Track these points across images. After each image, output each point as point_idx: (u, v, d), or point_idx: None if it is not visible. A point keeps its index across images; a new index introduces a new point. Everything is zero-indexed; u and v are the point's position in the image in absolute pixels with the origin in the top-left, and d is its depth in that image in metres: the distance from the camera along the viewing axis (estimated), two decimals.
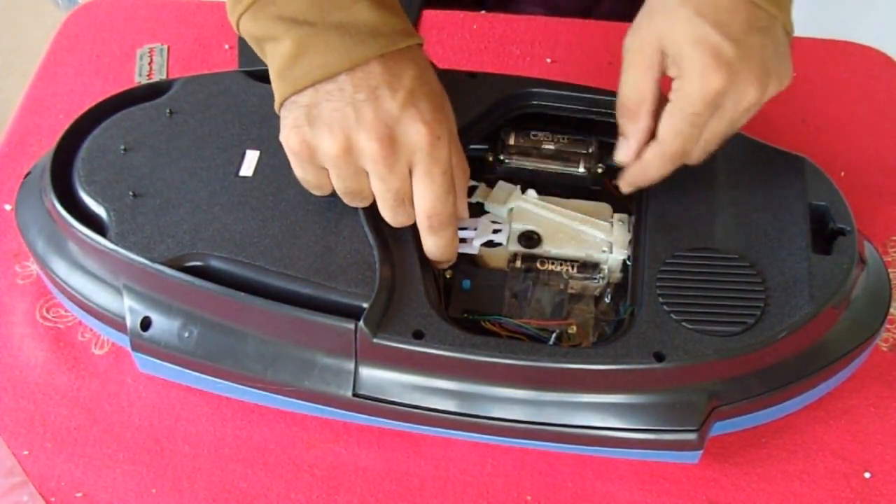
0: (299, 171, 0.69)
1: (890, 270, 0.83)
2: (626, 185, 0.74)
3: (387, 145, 0.65)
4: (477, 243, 0.75)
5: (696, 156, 0.71)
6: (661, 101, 0.69)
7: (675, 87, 0.67)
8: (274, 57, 0.67)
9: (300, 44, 0.65)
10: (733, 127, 0.69)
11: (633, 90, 0.69)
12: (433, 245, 0.70)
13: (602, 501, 0.72)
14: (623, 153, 0.72)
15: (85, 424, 0.76)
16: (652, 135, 0.70)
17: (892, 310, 0.80)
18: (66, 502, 0.72)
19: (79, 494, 0.72)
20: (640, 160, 0.71)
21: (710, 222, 0.73)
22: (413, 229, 0.72)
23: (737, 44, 0.65)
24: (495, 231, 0.76)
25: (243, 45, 0.96)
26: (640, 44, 0.68)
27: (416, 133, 0.65)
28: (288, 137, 0.67)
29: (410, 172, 0.67)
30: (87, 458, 0.74)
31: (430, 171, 0.67)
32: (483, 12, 1.05)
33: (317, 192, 0.71)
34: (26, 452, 0.74)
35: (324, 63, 0.64)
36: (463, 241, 0.75)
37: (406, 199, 0.68)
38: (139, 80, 1.00)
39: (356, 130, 0.65)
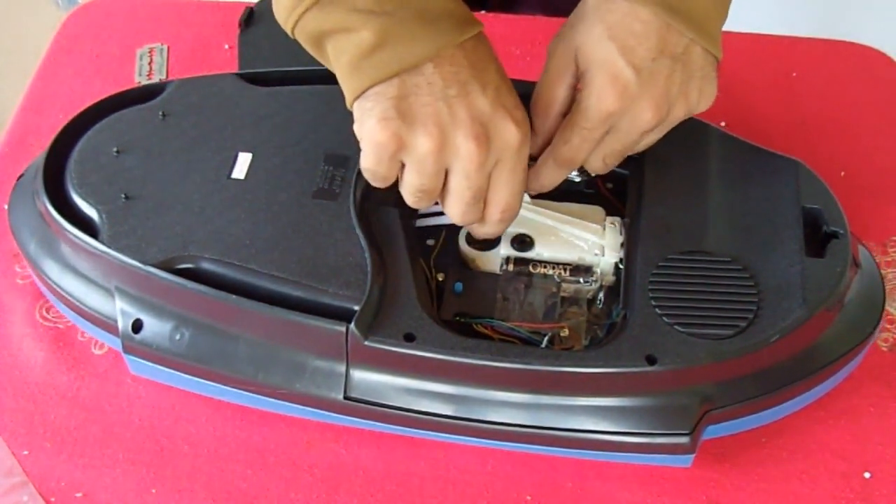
0: (374, 162, 0.66)
1: (890, 270, 0.83)
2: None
3: (483, 144, 0.64)
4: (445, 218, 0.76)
5: (595, 167, 0.72)
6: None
7: (577, 99, 0.69)
8: (346, 49, 0.64)
9: (382, 33, 0.62)
10: (633, 146, 0.70)
11: (547, 92, 0.71)
12: (492, 232, 0.72)
13: (602, 501, 0.72)
14: (532, 147, 0.73)
15: (85, 424, 0.76)
16: None
17: (892, 310, 0.80)
18: (66, 502, 0.72)
19: (79, 494, 0.72)
20: (535, 167, 0.72)
21: (703, 225, 0.72)
22: (406, 231, 0.72)
23: (639, 71, 0.66)
24: None
25: (243, 47, 0.96)
26: (560, 50, 0.69)
27: (508, 133, 0.65)
28: (375, 130, 0.64)
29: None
30: (87, 458, 0.74)
31: (515, 170, 0.67)
32: (483, 12, 1.05)
33: (378, 184, 0.68)
34: (26, 452, 0.74)
35: (409, 52, 0.63)
36: (429, 214, 0.77)
37: (482, 197, 0.68)
38: (139, 80, 1.00)
39: (452, 128, 0.64)
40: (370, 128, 0.64)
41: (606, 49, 0.66)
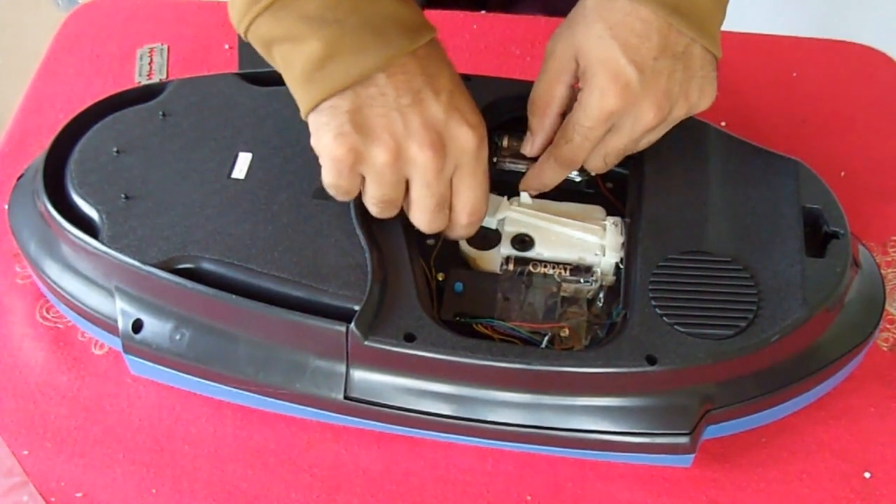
0: (334, 177, 0.67)
1: (890, 270, 0.83)
2: (523, 187, 0.75)
3: (438, 152, 0.65)
4: None
5: (595, 166, 0.72)
6: (572, 102, 0.71)
7: (578, 98, 0.69)
8: (296, 59, 0.64)
9: (331, 44, 0.62)
10: (634, 145, 0.71)
11: (545, 91, 0.71)
12: (463, 235, 0.73)
13: (602, 501, 0.72)
14: (528, 149, 0.74)
15: (85, 424, 0.76)
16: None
17: (892, 310, 0.80)
18: (66, 502, 0.72)
19: (79, 494, 0.72)
20: (535, 166, 0.73)
21: (703, 225, 0.72)
22: (406, 231, 0.72)
23: (641, 70, 0.66)
24: None
25: (244, 47, 0.96)
26: (559, 49, 0.70)
27: (463, 137, 0.65)
28: (332, 145, 0.64)
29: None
30: (87, 458, 0.74)
31: (475, 173, 0.67)
32: (483, 13, 1.05)
33: (343, 198, 0.69)
34: (26, 452, 0.74)
35: (359, 63, 0.62)
36: None
37: (446, 203, 0.68)
38: (139, 80, 1.00)
39: (406, 139, 0.64)
40: (326, 143, 0.65)
41: (608, 47, 0.66)
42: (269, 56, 0.67)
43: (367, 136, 0.64)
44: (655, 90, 0.67)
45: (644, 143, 0.71)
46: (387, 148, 0.64)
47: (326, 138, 0.65)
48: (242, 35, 0.67)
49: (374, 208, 0.69)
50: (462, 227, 0.71)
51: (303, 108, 0.66)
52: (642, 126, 0.68)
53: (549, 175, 0.73)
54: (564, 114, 0.72)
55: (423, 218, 0.69)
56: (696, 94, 0.69)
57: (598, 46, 0.66)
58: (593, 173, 0.74)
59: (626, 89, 0.66)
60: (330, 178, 0.67)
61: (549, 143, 0.73)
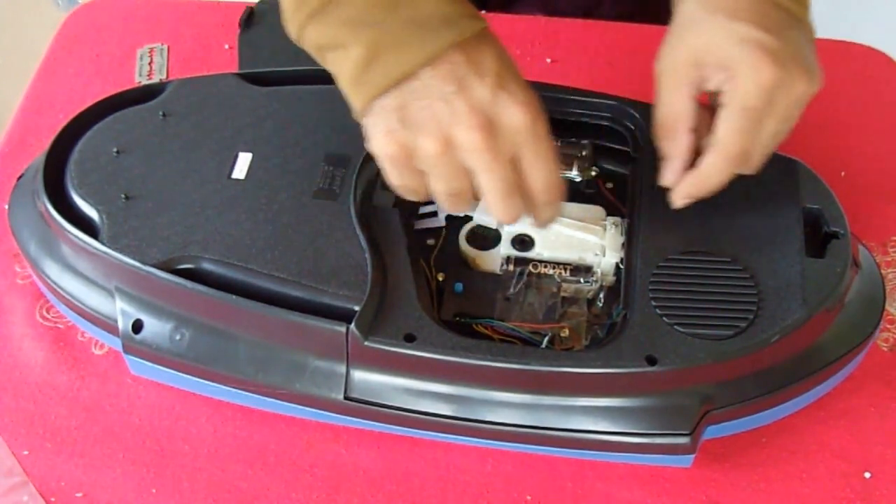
0: (396, 177, 0.65)
1: (890, 270, 0.83)
2: (680, 197, 0.71)
3: (487, 132, 0.62)
4: (443, 216, 0.78)
5: (756, 158, 0.69)
6: (701, 118, 0.69)
7: (727, 89, 0.66)
8: (344, 65, 0.64)
9: (372, 46, 0.62)
10: (787, 123, 0.67)
11: (670, 108, 0.69)
12: (548, 217, 0.69)
13: (602, 501, 0.72)
14: (669, 175, 0.71)
15: (85, 424, 0.76)
16: (696, 153, 0.69)
17: (892, 310, 0.80)
18: (66, 502, 0.72)
19: (79, 494, 0.72)
20: (698, 169, 0.69)
21: (703, 225, 0.72)
22: (406, 231, 0.72)
23: (780, 37, 0.65)
24: None
25: (243, 47, 0.96)
26: (673, 62, 0.68)
27: (515, 114, 0.63)
28: (383, 144, 0.63)
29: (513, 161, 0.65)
30: (87, 458, 0.74)
31: (537, 151, 0.64)
32: (483, 13, 1.05)
33: (413, 198, 0.67)
34: (26, 452, 0.75)
35: (402, 61, 0.62)
36: (427, 215, 0.77)
37: (516, 187, 0.65)
38: (139, 80, 1.00)
39: (452, 125, 0.62)
40: (378, 143, 0.64)
41: (737, 29, 0.65)
42: (324, 62, 0.67)
43: (414, 129, 0.63)
44: (798, 56, 0.65)
45: (790, 123, 0.68)
46: (434, 138, 0.62)
47: (377, 138, 0.64)
48: (299, 44, 0.67)
49: (445, 203, 0.67)
50: (542, 209, 0.67)
51: (356, 113, 0.65)
52: (796, 95, 0.66)
53: (717, 178, 0.69)
54: (695, 131, 0.69)
55: (497, 206, 0.66)
56: (819, 70, 0.67)
57: (728, 33, 0.65)
58: (753, 171, 0.70)
59: (776, 57, 0.64)
60: (392, 178, 0.66)
61: (688, 165, 0.69)
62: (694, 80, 0.67)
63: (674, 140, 0.69)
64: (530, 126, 0.63)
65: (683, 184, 0.70)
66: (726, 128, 0.66)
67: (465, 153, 0.63)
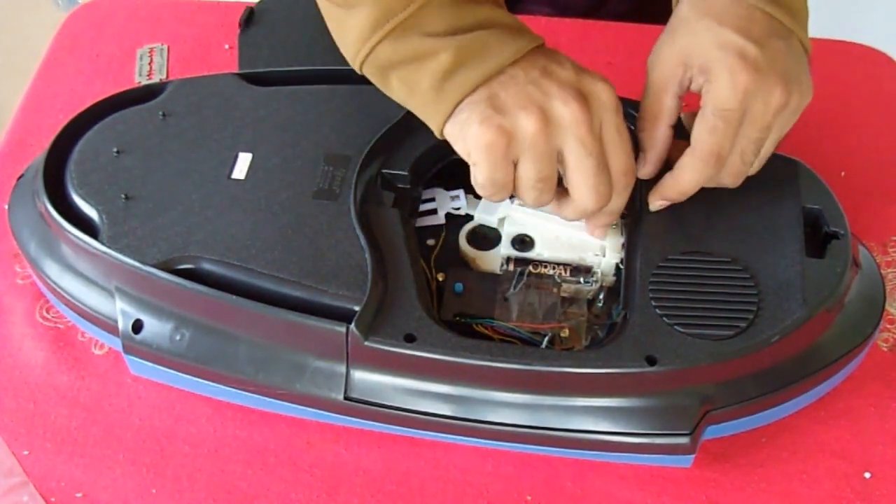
0: (489, 169, 0.66)
1: (890, 270, 0.83)
2: (656, 198, 0.72)
3: (583, 103, 0.64)
4: (442, 213, 0.78)
5: (735, 166, 0.69)
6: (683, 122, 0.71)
7: (705, 91, 0.67)
8: (422, 77, 0.66)
9: (460, 51, 0.64)
10: (769, 132, 0.68)
11: (653, 102, 0.70)
12: (620, 205, 0.70)
13: (602, 501, 0.72)
14: (643, 169, 0.72)
15: (85, 424, 0.76)
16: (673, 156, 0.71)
17: (892, 310, 0.80)
18: (67, 502, 0.72)
19: (79, 494, 0.72)
20: (673, 170, 0.70)
21: (704, 226, 0.72)
22: (406, 231, 0.72)
23: (760, 46, 0.66)
24: (453, 198, 0.79)
25: (243, 47, 0.96)
26: (662, 60, 0.69)
27: (601, 90, 0.65)
28: (479, 132, 0.64)
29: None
30: (87, 458, 0.74)
31: (620, 127, 0.66)
32: None
33: (497, 198, 0.68)
34: (26, 452, 0.74)
35: (490, 61, 0.64)
36: (427, 213, 0.78)
37: (605, 166, 0.67)
38: (139, 80, 1.00)
39: (549, 100, 0.64)
40: (474, 134, 0.64)
41: (722, 33, 0.66)
42: (386, 83, 0.69)
43: (511, 111, 0.64)
44: (777, 66, 0.66)
45: (773, 138, 0.69)
46: (534, 115, 0.64)
47: (472, 129, 0.65)
48: (358, 68, 0.68)
49: (531, 192, 0.67)
50: (620, 191, 0.69)
51: (438, 119, 0.66)
52: (773, 106, 0.66)
53: (689, 178, 0.70)
54: (674, 127, 0.71)
55: (586, 186, 0.67)
56: (806, 83, 0.68)
57: (711, 37, 0.67)
58: (731, 185, 0.71)
59: (754, 64, 0.65)
60: (486, 172, 0.66)
61: (663, 159, 0.71)
62: (680, 79, 0.69)
63: (652, 132, 0.71)
64: (615, 103, 0.66)
65: (658, 185, 0.72)
66: (699, 128, 0.68)
67: (563, 129, 0.65)
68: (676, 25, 0.69)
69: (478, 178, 0.67)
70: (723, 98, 0.66)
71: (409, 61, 0.66)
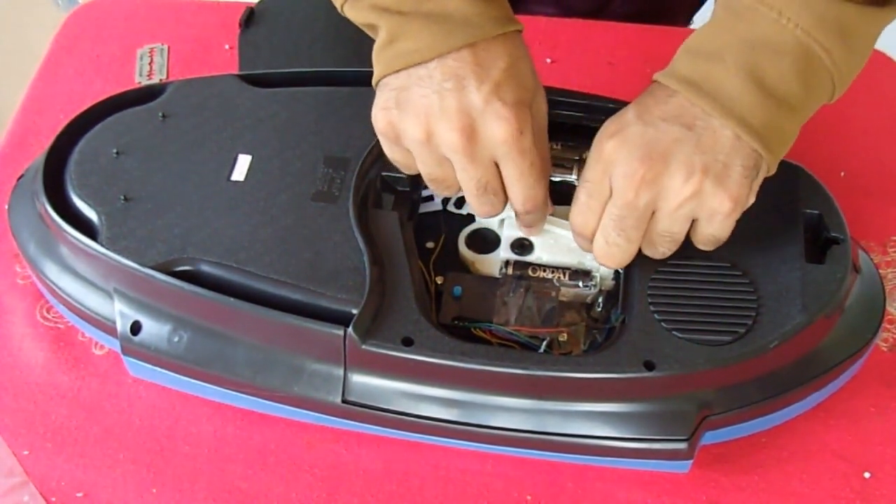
0: (387, 150, 0.70)
1: (890, 270, 0.83)
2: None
3: (466, 137, 0.65)
4: (438, 200, 0.80)
5: (598, 245, 0.68)
6: None
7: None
8: (374, 41, 0.69)
9: (392, 31, 0.66)
10: (626, 211, 0.65)
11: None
12: (528, 224, 0.72)
13: (603, 501, 0.72)
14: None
15: (85, 424, 0.76)
16: None
17: (892, 310, 0.80)
18: (67, 502, 0.72)
19: (79, 494, 0.73)
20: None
21: None
22: (404, 234, 0.72)
23: (645, 123, 0.65)
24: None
25: (243, 47, 0.96)
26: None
27: (497, 128, 0.65)
28: (376, 117, 0.68)
29: (496, 164, 0.68)
30: (88, 458, 0.74)
31: (517, 164, 0.67)
32: None
33: (405, 171, 0.72)
34: (26, 452, 0.75)
35: (413, 49, 0.65)
36: (427, 199, 0.79)
37: (489, 188, 0.68)
38: (139, 80, 1.00)
39: (438, 119, 0.65)
40: (374, 115, 0.68)
41: (626, 111, 0.67)
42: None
43: (405, 111, 0.66)
44: (650, 144, 0.64)
45: (663, 229, 0.67)
46: (419, 125, 0.65)
47: (374, 111, 0.68)
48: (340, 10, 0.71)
49: (430, 186, 0.71)
50: (522, 216, 0.71)
51: (373, 83, 0.69)
52: (637, 181, 0.64)
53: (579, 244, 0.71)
54: None
55: (469, 201, 0.69)
56: (712, 179, 0.64)
57: (619, 113, 0.68)
58: (653, 255, 0.70)
59: (621, 129, 0.65)
60: (384, 148, 0.70)
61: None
62: None
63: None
64: (511, 141, 0.65)
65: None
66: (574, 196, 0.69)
67: (445, 148, 0.66)
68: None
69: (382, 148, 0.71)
70: (587, 166, 0.67)
71: (363, 25, 0.70)
